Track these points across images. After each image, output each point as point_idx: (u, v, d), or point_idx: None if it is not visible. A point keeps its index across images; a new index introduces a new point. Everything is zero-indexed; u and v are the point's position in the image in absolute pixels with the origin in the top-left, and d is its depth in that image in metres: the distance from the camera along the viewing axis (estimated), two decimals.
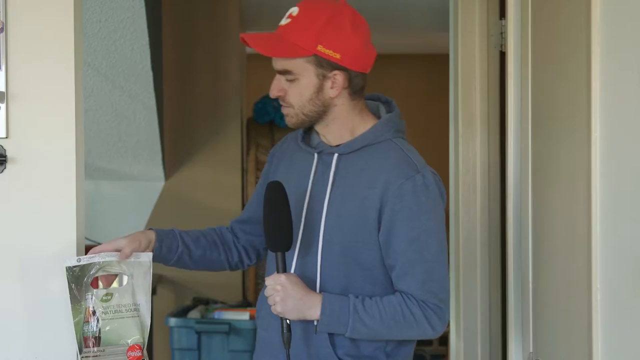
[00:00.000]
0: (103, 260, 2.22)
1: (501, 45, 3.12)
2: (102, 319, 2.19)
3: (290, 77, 2.20)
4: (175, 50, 5.49)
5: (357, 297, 2.18)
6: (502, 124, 3.19)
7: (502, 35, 3.10)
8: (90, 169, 5.26)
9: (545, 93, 2.43)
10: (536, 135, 2.50)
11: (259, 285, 6.22)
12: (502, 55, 3.14)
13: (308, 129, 2.34)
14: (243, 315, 4.82)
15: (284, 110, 2.26)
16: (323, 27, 2.16)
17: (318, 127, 2.28)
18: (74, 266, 2.20)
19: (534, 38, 2.53)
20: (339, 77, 2.19)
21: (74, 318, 2.19)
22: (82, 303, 2.19)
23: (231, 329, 4.73)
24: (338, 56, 2.17)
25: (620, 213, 1.96)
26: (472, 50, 3.26)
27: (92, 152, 5.08)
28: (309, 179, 2.27)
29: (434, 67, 6.52)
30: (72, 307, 2.19)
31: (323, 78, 2.19)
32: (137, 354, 2.23)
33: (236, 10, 5.68)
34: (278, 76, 2.23)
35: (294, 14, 2.20)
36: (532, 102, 2.54)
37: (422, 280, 2.17)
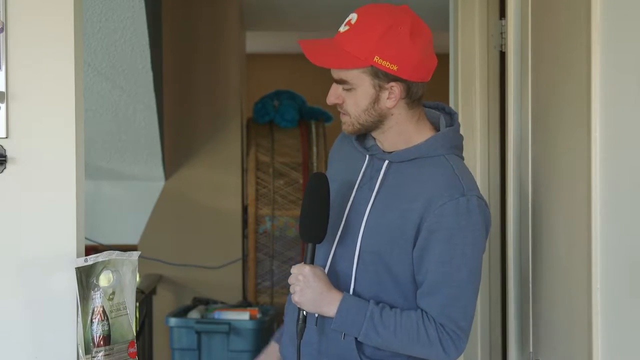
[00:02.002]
0: (108, 258, 2.23)
1: (501, 45, 3.12)
2: (110, 317, 2.21)
3: (346, 86, 2.17)
4: (175, 50, 5.49)
5: (377, 304, 2.16)
6: (502, 124, 3.19)
7: (502, 35, 3.10)
8: (90, 169, 5.26)
9: (545, 93, 2.43)
10: (536, 136, 2.50)
11: (259, 285, 6.21)
12: (502, 55, 3.14)
13: None
14: (243, 315, 4.82)
15: (342, 118, 2.22)
16: (380, 37, 2.11)
17: (374, 133, 2.24)
18: (82, 267, 2.20)
19: (534, 38, 2.53)
20: (396, 88, 2.15)
21: (82, 318, 2.19)
22: (90, 302, 2.20)
23: (231, 329, 4.73)
24: (395, 68, 2.12)
25: (620, 213, 1.96)
26: (472, 50, 3.26)
27: (92, 152, 5.09)
28: (357, 178, 2.25)
29: None
30: (81, 307, 2.20)
31: (379, 89, 2.15)
32: (134, 350, 2.28)
33: (236, 10, 5.68)
34: (335, 84, 2.19)
35: (353, 21, 2.15)
36: (532, 102, 2.54)
37: (444, 303, 2.14)
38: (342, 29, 2.17)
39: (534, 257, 2.50)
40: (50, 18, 2.32)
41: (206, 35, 5.59)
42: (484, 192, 3.22)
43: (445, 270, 2.14)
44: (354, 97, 2.17)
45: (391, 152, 2.23)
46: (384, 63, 2.12)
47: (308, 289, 2.15)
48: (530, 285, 2.52)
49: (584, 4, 2.04)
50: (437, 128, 2.27)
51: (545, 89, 2.42)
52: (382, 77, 2.14)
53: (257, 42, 7.34)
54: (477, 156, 3.25)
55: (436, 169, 2.19)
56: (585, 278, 2.03)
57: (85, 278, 2.20)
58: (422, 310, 2.17)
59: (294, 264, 2.24)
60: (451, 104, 3.34)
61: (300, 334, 2.17)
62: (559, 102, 2.28)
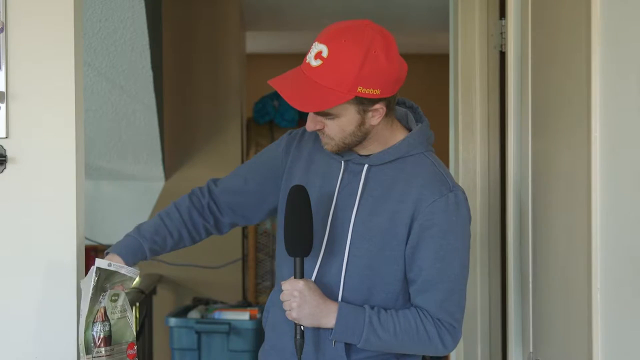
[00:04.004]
0: (128, 274, 2.23)
1: (501, 45, 3.12)
2: (111, 319, 2.21)
3: (329, 117, 2.13)
4: (175, 50, 5.49)
5: (372, 308, 2.16)
6: (502, 124, 3.19)
7: (502, 35, 3.10)
8: (90, 169, 5.26)
9: (545, 93, 2.43)
10: (536, 135, 2.50)
11: (259, 285, 6.22)
12: (502, 55, 3.14)
13: None
14: (243, 315, 4.82)
15: (323, 139, 2.19)
16: (360, 69, 2.06)
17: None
18: (104, 269, 2.19)
19: (534, 38, 2.53)
20: (380, 109, 2.13)
21: (87, 318, 2.19)
22: (97, 304, 2.19)
23: (231, 329, 4.73)
24: (378, 92, 2.09)
25: (620, 213, 1.97)
26: (472, 50, 3.26)
27: (92, 152, 5.09)
28: (334, 185, 2.23)
29: (434, 67, 6.52)
30: (89, 307, 2.19)
31: (364, 112, 2.12)
32: (134, 351, 2.27)
33: (236, 11, 5.68)
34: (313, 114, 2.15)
35: (324, 55, 2.08)
36: (532, 102, 2.54)
37: (441, 299, 2.16)
38: (314, 63, 2.08)
39: (534, 257, 2.50)
40: (50, 18, 2.32)
41: (206, 35, 5.59)
42: (483, 192, 3.23)
43: (440, 266, 2.15)
44: (338, 124, 2.14)
45: (368, 155, 2.22)
46: (367, 91, 2.08)
47: (305, 304, 2.14)
48: (530, 285, 2.53)
49: (584, 4, 2.04)
50: (406, 126, 2.26)
51: (545, 88, 2.42)
52: (366, 102, 2.11)
53: (257, 42, 7.34)
54: (477, 156, 3.26)
55: (419, 167, 2.20)
56: (585, 278, 2.03)
57: (102, 282, 2.19)
58: (417, 307, 2.17)
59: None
60: (451, 104, 3.34)
61: (300, 349, 2.15)
62: (558, 102, 2.28)
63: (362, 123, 2.14)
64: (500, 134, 3.24)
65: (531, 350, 2.52)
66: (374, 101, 2.11)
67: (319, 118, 2.15)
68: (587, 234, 2.02)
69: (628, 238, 1.96)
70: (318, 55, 2.09)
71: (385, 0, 5.75)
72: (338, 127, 2.14)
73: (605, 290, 1.98)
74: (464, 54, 3.27)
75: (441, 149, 2.34)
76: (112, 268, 2.20)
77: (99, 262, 2.19)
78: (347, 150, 2.21)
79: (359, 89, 2.07)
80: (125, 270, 2.22)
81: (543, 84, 2.45)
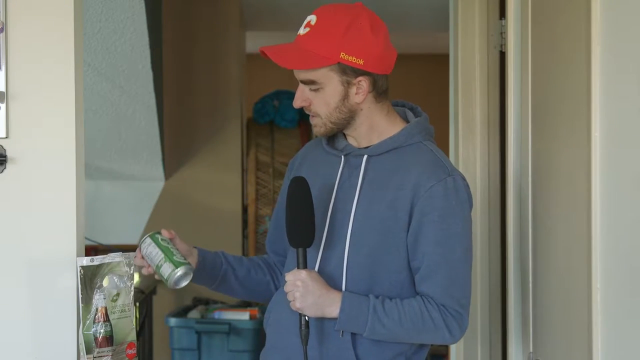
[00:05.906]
0: (113, 260, 2.22)
1: (501, 45, 3.12)
2: (112, 319, 2.21)
3: (314, 86, 2.18)
4: (175, 50, 5.49)
5: (377, 297, 2.16)
6: (502, 123, 3.19)
7: (502, 35, 3.10)
8: (90, 169, 5.26)
9: (545, 93, 2.43)
10: (536, 135, 2.50)
11: None
12: (502, 55, 3.14)
13: None
14: (243, 315, 4.82)
15: (312, 120, 2.24)
16: (344, 34, 2.14)
17: (347, 131, 2.26)
18: (87, 266, 2.19)
19: (534, 38, 2.54)
20: (363, 82, 2.17)
21: (83, 318, 2.19)
22: (92, 303, 2.19)
23: (231, 329, 4.73)
24: (361, 62, 2.15)
25: (620, 213, 1.97)
26: (472, 50, 3.26)
27: (92, 152, 5.09)
28: (335, 180, 2.25)
29: (434, 67, 6.52)
30: (82, 307, 2.19)
31: (348, 85, 2.17)
32: (133, 351, 2.26)
33: (236, 10, 5.68)
34: (302, 86, 2.20)
35: (313, 22, 2.18)
36: (532, 102, 2.54)
37: (445, 284, 2.15)
38: (302, 31, 2.19)
39: (534, 257, 2.50)
40: (50, 18, 2.32)
41: (206, 35, 5.59)
42: (483, 192, 3.23)
43: (441, 250, 2.15)
44: (322, 96, 2.18)
45: (367, 147, 2.24)
46: (350, 58, 2.14)
47: (308, 294, 2.14)
48: (530, 285, 2.53)
49: (584, 4, 2.04)
50: (406, 120, 2.29)
51: (545, 88, 2.42)
52: (349, 72, 2.16)
53: (257, 42, 7.34)
54: (477, 156, 3.26)
55: (417, 155, 2.22)
56: (585, 278, 2.03)
57: (90, 278, 2.19)
58: (421, 295, 2.17)
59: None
60: (451, 104, 3.35)
61: (305, 339, 2.15)
62: (558, 102, 2.28)
63: (346, 96, 2.18)
64: (500, 134, 3.24)
65: (531, 350, 2.52)
66: (357, 72, 2.16)
67: (306, 94, 2.20)
68: (587, 234, 2.02)
69: (628, 238, 1.96)
70: (307, 24, 2.19)
71: (385, 0, 5.75)
72: (323, 101, 2.18)
73: (605, 290, 1.98)
74: (464, 54, 3.27)
75: (441, 149, 2.34)
76: (95, 263, 2.20)
77: (79, 260, 2.19)
78: (335, 131, 2.24)
79: (341, 55, 2.14)
80: (109, 258, 2.22)
81: (543, 84, 2.45)
